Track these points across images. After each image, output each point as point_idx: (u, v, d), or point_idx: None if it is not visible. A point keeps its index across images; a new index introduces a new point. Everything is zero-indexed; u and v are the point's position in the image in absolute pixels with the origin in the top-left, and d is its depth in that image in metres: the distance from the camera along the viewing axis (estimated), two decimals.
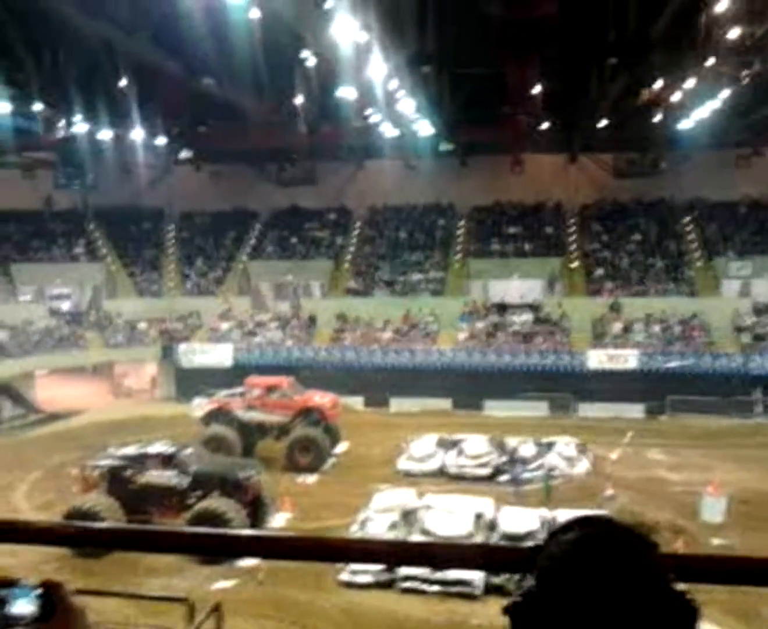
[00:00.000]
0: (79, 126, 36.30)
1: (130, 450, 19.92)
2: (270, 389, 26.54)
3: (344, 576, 16.29)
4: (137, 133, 36.50)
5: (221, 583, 16.35)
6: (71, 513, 17.97)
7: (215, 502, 18.06)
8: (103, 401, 34.21)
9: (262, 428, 25.70)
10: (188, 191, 44.25)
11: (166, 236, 45.61)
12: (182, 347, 36.21)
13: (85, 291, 42.13)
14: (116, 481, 18.99)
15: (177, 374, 35.81)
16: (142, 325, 39.37)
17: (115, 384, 37.12)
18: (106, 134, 36.77)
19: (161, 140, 39.84)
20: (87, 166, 42.06)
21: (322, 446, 24.67)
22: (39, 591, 1.58)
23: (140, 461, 19.32)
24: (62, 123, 37.95)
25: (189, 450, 20.01)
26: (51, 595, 1.59)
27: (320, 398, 26.65)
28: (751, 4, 21.91)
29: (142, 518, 18.57)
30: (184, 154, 44.77)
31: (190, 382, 33.70)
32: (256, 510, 18.96)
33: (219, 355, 35.52)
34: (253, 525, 18.26)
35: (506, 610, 1.34)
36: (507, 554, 2.20)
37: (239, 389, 26.94)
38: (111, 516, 17.99)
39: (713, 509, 18.56)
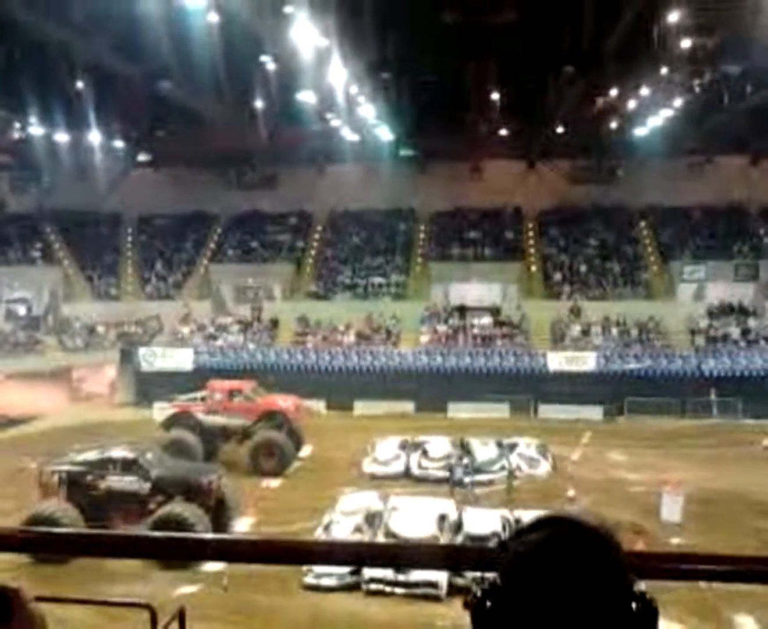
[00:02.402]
0: (35, 128, 35.78)
1: (90, 455, 19.65)
2: (232, 392, 26.43)
3: (309, 579, 16.32)
4: (94, 137, 36.08)
5: (185, 588, 16.24)
6: (30, 521, 17.69)
7: (177, 507, 17.92)
8: (61, 406, 33.63)
9: (225, 432, 25.54)
10: (147, 195, 43.82)
11: (124, 239, 45.10)
12: (142, 351, 35.82)
13: (42, 295, 41.43)
14: (76, 487, 18.71)
15: (137, 378, 35.41)
16: (101, 329, 38.89)
17: (73, 389, 36.53)
18: (62, 137, 36.27)
19: (119, 143, 39.46)
20: (43, 169, 41.44)
21: (285, 449, 24.63)
22: None
23: (100, 466, 19.07)
24: (17, 126, 37.37)
25: (150, 455, 19.82)
26: (8, 601, 1.54)
27: (283, 402, 26.61)
28: (703, 16, 22.56)
29: (103, 524, 18.35)
30: (143, 157, 44.38)
31: (150, 386, 33.38)
32: (220, 515, 18.87)
33: (179, 359, 35.23)
34: (216, 530, 18.18)
35: (467, 605, 1.35)
36: (472, 553, 2.28)
37: (201, 393, 26.78)
38: (71, 523, 17.72)
39: (672, 508, 18.98)
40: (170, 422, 25.67)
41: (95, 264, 43.29)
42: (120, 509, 18.47)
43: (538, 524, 1.40)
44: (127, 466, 18.93)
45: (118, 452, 19.45)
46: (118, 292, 42.42)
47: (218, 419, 25.57)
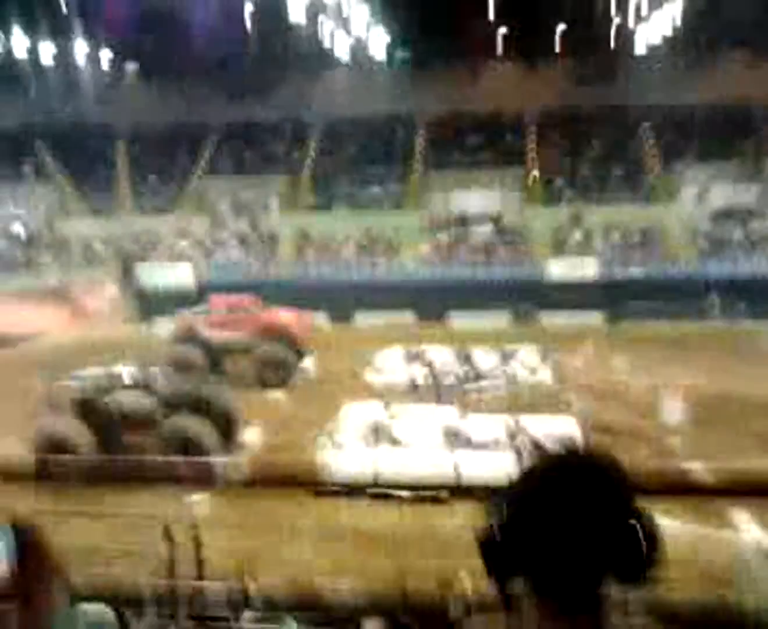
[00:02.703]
0: (20, 40, 34.79)
1: (97, 373, 19.74)
2: (233, 307, 26.36)
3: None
4: (81, 47, 35.13)
5: (195, 496, 16.47)
6: (40, 438, 17.88)
7: (185, 420, 18.07)
8: (62, 324, 33.63)
9: (228, 347, 25.60)
10: (136, 106, 42.86)
11: (116, 153, 44.28)
12: (141, 267, 35.61)
13: (36, 212, 40.95)
14: (84, 404, 18.85)
15: (137, 294, 35.32)
16: (98, 245, 38.58)
17: (73, 306, 36.45)
18: (48, 49, 35.32)
19: (106, 54, 38.41)
20: (29, 82, 40.44)
21: (287, 362, 24.72)
22: (8, 531, 1.51)
23: (107, 383, 19.18)
24: (1, 38, 36.32)
25: (155, 371, 19.90)
26: (24, 536, 1.53)
27: (284, 315, 26.58)
28: None
29: (111, 438, 18.55)
30: (131, 67, 43.28)
31: (151, 302, 33.32)
32: (226, 427, 19.06)
33: (178, 274, 35.05)
34: (222, 441, 18.39)
35: (477, 540, 1.41)
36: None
37: (203, 309, 26.72)
38: (80, 439, 17.94)
39: (672, 412, 19.13)
40: (173, 338, 25.70)
41: (89, 179, 42.61)
42: (127, 424, 18.63)
43: (546, 460, 1.50)
44: (134, 382, 19.02)
45: (123, 369, 19.52)
46: (113, 207, 41.90)
47: (220, 334, 25.59)
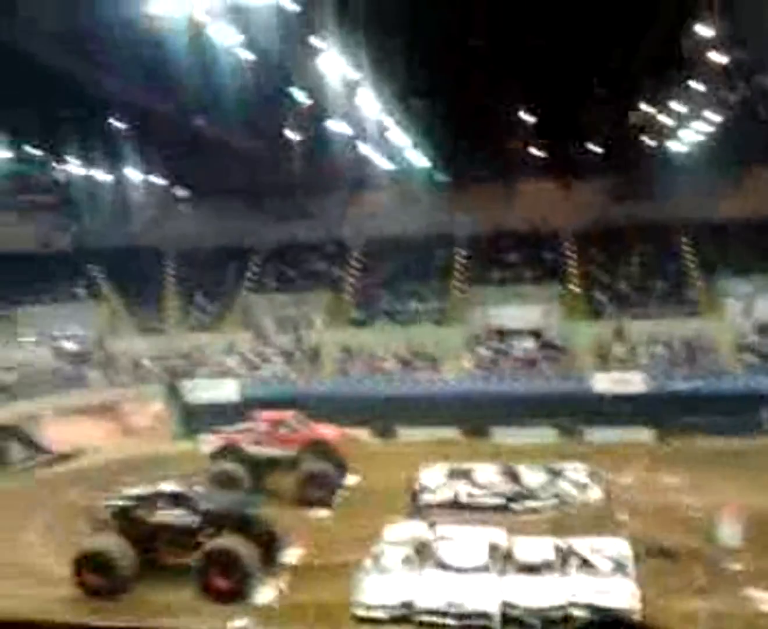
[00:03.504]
0: (75, 168, 36.64)
1: (141, 490, 19.85)
2: (277, 423, 26.46)
3: (359, 611, 16.16)
4: (133, 173, 36.87)
5: (236, 621, 16.21)
6: (82, 555, 17.89)
7: (227, 540, 17.94)
8: (110, 440, 34.08)
9: (271, 463, 25.53)
10: (186, 229, 44.47)
11: (165, 273, 45.67)
12: (187, 383, 36.13)
13: (87, 331, 42.10)
14: (126, 521, 18.89)
15: (183, 410, 35.70)
16: (146, 362, 39.35)
17: (121, 422, 36.96)
18: (102, 176, 37.15)
19: (157, 179, 40.22)
20: (84, 206, 42.34)
21: (331, 478, 24.55)
22: None
23: (150, 500, 19.24)
24: (58, 166, 38.33)
25: (198, 488, 19.93)
26: None
27: (326, 430, 26.59)
28: (735, 29, 22.25)
29: (154, 557, 18.47)
30: (181, 192, 45.16)
31: (196, 418, 33.62)
32: (269, 547, 18.85)
33: (224, 390, 35.44)
34: (265, 561, 18.16)
35: None
36: None
37: (246, 425, 26.86)
38: (122, 556, 17.91)
39: (731, 532, 18.44)
40: (217, 455, 25.79)
41: (138, 299, 43.88)
42: (170, 542, 18.58)
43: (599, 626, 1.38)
44: (176, 499, 19.05)
45: (167, 486, 19.60)
46: (161, 325, 42.91)
47: (264, 450, 25.61)
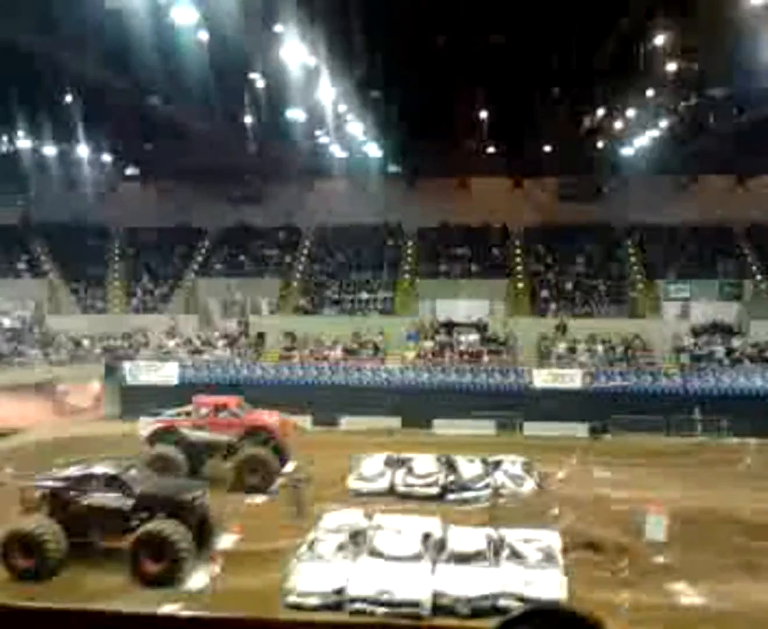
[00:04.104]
0: (22, 141, 35.73)
1: (73, 471, 19.51)
2: (218, 408, 26.31)
3: (292, 598, 16.24)
4: (82, 150, 36.09)
5: (167, 607, 16.14)
6: (11, 536, 17.59)
7: (160, 524, 17.80)
8: (45, 420, 33.44)
9: (210, 448, 25.39)
10: (134, 208, 43.84)
11: (111, 252, 44.99)
12: (127, 364, 35.66)
13: (27, 308, 41.21)
14: (58, 503, 18.58)
15: (121, 392, 35.24)
16: (86, 342, 38.73)
17: (57, 402, 36.31)
18: (49, 150, 36.26)
19: (107, 157, 39.46)
20: (30, 181, 41.33)
21: (270, 465, 24.52)
22: None
23: (82, 482, 18.92)
24: (4, 138, 37.32)
25: (133, 471, 19.67)
26: None
27: (268, 417, 26.55)
28: (688, 40, 22.85)
29: (85, 540, 18.23)
30: (130, 170, 44.41)
31: (136, 400, 33.22)
32: (203, 532, 18.77)
33: (165, 373, 35.06)
34: (198, 547, 18.10)
35: None
36: None
37: (186, 409, 26.64)
38: (52, 539, 17.65)
39: (656, 527, 18.99)
40: (155, 438, 25.50)
41: (81, 277, 43.14)
42: (102, 525, 18.33)
43: (526, 615, 1.47)
44: (110, 482, 18.78)
45: (101, 469, 19.32)
46: (104, 305, 42.28)
47: (203, 435, 25.43)
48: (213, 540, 18.96)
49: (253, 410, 26.91)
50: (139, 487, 18.77)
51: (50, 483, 18.96)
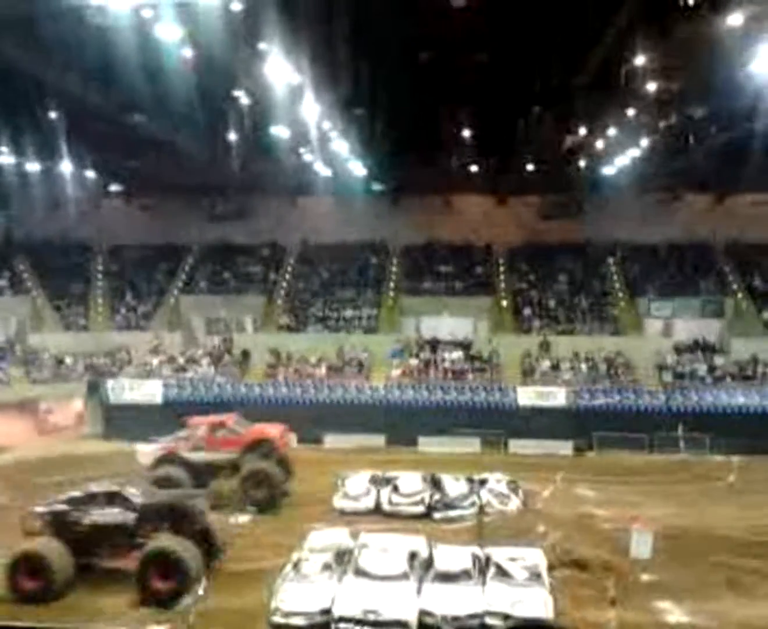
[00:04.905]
0: (5, 157, 35.51)
1: (73, 494, 19.23)
2: (214, 427, 25.93)
3: (277, 618, 16.10)
4: (66, 166, 35.90)
5: (152, 627, 15.98)
6: (19, 558, 17.29)
7: (167, 540, 17.52)
8: (27, 438, 33.11)
9: (212, 468, 24.79)
10: (118, 225, 43.75)
11: (94, 269, 44.73)
12: (110, 382, 35.39)
13: (9, 325, 40.84)
14: (61, 525, 18.28)
15: (105, 410, 34.95)
16: (69, 360, 38.41)
17: (40, 421, 35.95)
18: (33, 167, 36.06)
19: (90, 173, 39.26)
20: (12, 198, 41.09)
21: (274, 478, 23.90)
22: None
23: (84, 502, 18.64)
24: None
25: (133, 487, 19.36)
26: None
27: (270, 430, 26.15)
28: (668, 60, 23.17)
29: (92, 559, 17.99)
30: (114, 187, 44.22)
31: (119, 419, 32.98)
32: (209, 547, 18.44)
33: (148, 391, 34.84)
34: (207, 564, 17.86)
35: None
36: None
37: (183, 433, 26.14)
38: (59, 560, 17.34)
39: (641, 544, 19.01)
40: (156, 465, 24.76)
41: (64, 294, 42.83)
42: (108, 543, 18.07)
43: None
44: (111, 498, 18.51)
45: (101, 487, 19.10)
46: (87, 323, 41.99)
47: (204, 456, 24.94)
48: (219, 556, 18.71)
49: (251, 424, 26.65)
50: (140, 500, 18.57)
51: (51, 508, 18.65)
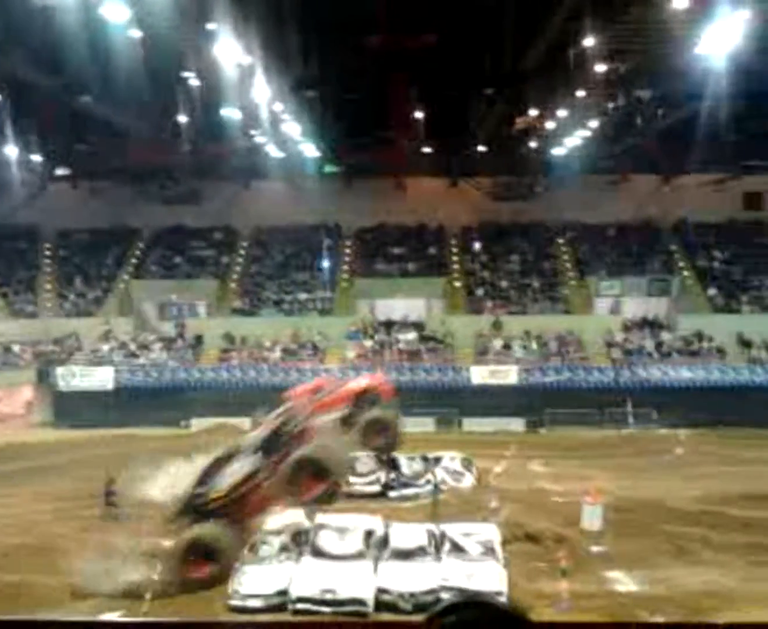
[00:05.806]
0: None
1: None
2: (315, 392, 25.39)
3: (235, 601, 16.15)
4: (11, 150, 35.05)
5: (107, 615, 15.86)
6: (189, 544, 17.00)
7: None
8: None
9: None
10: (65, 209, 42.70)
11: (41, 255, 43.74)
12: (60, 370, 34.82)
13: None
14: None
15: (55, 398, 34.38)
16: (16, 347, 37.61)
17: None
18: None
19: (36, 157, 38.37)
20: None
21: (393, 422, 23.45)
22: None
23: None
24: None
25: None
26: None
27: (371, 379, 25.89)
28: (616, 43, 23.58)
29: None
30: (61, 171, 43.26)
31: (69, 406, 32.48)
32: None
33: (100, 378, 34.39)
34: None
35: None
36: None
37: (282, 408, 25.50)
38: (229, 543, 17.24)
39: (592, 517, 19.48)
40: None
41: (11, 280, 41.84)
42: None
43: (451, 608, 1.54)
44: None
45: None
46: (36, 309, 41.08)
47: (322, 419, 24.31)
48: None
49: (344, 379, 26.69)
50: None
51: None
